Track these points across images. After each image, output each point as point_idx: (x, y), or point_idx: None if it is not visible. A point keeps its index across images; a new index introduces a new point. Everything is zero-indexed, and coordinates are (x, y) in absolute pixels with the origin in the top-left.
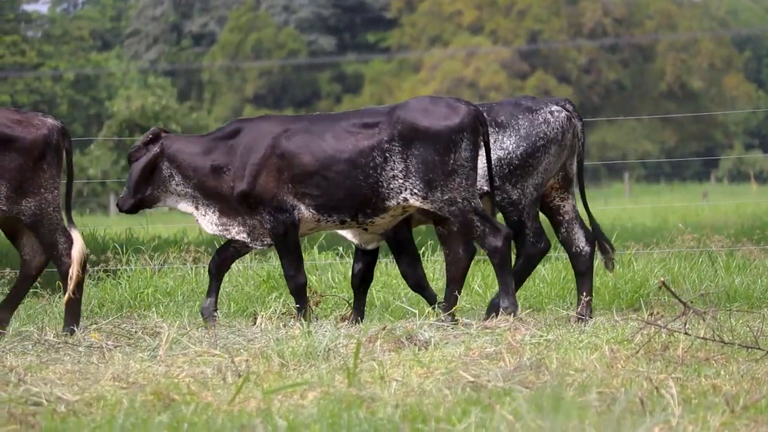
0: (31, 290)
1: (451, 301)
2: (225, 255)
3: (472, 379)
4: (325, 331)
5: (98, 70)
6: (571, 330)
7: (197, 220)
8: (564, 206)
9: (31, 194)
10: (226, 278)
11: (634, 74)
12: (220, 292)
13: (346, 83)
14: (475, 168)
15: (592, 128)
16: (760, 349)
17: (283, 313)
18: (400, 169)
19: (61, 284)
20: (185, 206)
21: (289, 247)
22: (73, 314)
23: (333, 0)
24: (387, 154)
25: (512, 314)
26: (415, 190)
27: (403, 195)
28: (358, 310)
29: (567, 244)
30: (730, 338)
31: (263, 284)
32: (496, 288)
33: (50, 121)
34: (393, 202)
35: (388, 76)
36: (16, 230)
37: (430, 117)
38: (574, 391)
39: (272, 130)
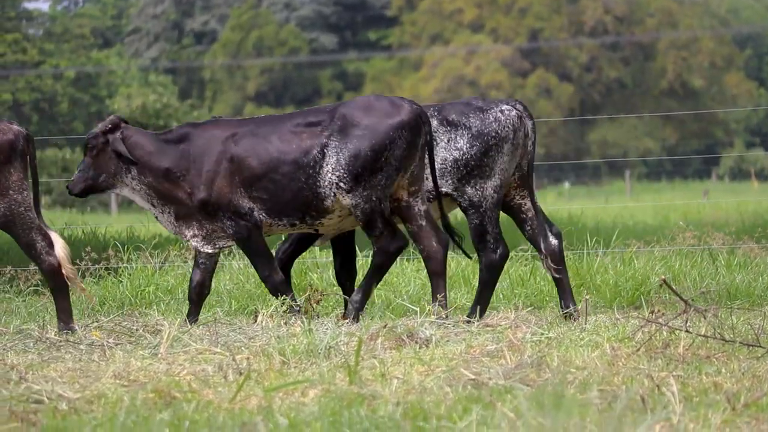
0: (32, 288)
1: (437, 291)
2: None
3: (473, 377)
4: (326, 328)
5: (99, 68)
6: (572, 328)
7: (156, 217)
8: (525, 204)
9: (0, 196)
10: (227, 276)
11: (635, 72)
12: (221, 290)
13: (348, 81)
14: (398, 170)
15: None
16: (761, 347)
17: (284, 311)
18: (332, 164)
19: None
20: (140, 201)
21: (256, 249)
22: (65, 312)
23: None
24: (325, 150)
25: (356, 313)
26: (342, 184)
27: (333, 191)
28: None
29: (534, 241)
30: (731, 336)
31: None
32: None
33: (15, 127)
34: (329, 201)
35: (389, 74)
36: None
37: (371, 113)
38: (575, 389)
39: (221, 135)
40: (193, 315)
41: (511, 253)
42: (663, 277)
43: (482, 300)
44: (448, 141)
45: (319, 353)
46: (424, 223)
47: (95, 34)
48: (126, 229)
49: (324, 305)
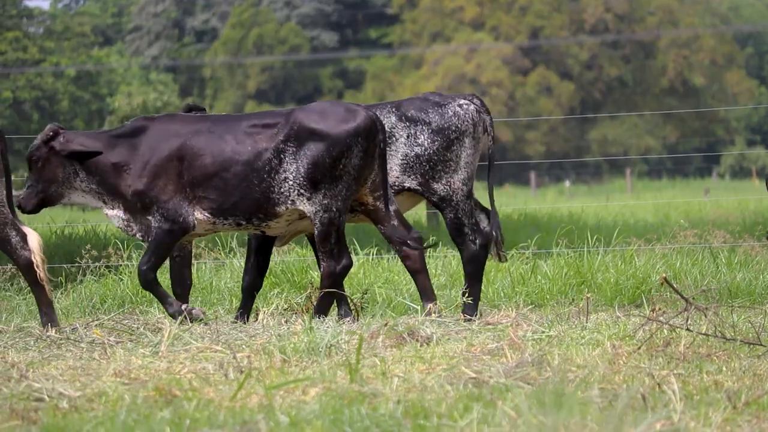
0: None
1: (428, 292)
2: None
3: (473, 375)
4: (327, 327)
5: (100, 66)
6: (573, 326)
7: (106, 214)
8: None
9: None
10: (227, 274)
11: (636, 70)
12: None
13: (348, 79)
14: (357, 180)
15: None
16: (761, 345)
17: (285, 309)
18: (291, 170)
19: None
20: (93, 201)
21: (161, 248)
22: (48, 305)
23: None
24: (282, 155)
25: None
26: (302, 191)
27: (291, 198)
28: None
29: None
30: (732, 334)
31: (265, 280)
32: (497, 285)
33: None
34: (283, 207)
35: (389, 72)
36: None
37: (327, 119)
38: (575, 387)
39: (176, 131)
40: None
41: (512, 252)
42: (664, 275)
43: (473, 294)
44: (408, 137)
45: (320, 351)
46: (395, 223)
47: (96, 32)
48: None
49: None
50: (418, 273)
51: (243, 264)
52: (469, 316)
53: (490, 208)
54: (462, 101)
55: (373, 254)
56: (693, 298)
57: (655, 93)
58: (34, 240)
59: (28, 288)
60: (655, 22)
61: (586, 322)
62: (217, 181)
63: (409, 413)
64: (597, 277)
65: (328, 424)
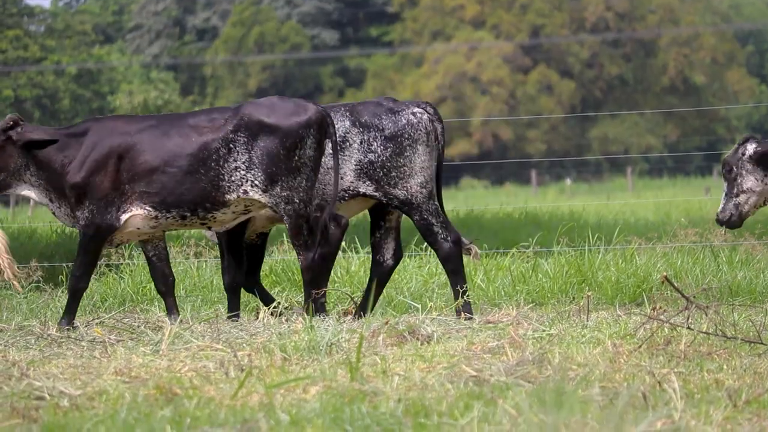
0: (33, 285)
1: (374, 298)
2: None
3: (474, 374)
4: (328, 325)
5: (100, 64)
6: (574, 325)
7: (53, 212)
8: (390, 213)
9: None
10: None
11: (637, 69)
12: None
13: (349, 77)
14: (316, 171)
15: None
16: (762, 343)
17: (285, 308)
18: (243, 160)
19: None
20: (38, 197)
21: (89, 249)
22: None
23: None
24: (231, 145)
25: (303, 311)
26: (256, 182)
27: (243, 187)
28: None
29: (375, 249)
30: (733, 333)
31: (265, 279)
32: (498, 283)
33: None
34: (233, 195)
35: (390, 70)
36: None
37: (277, 113)
38: (576, 386)
39: (118, 129)
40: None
41: (512, 251)
42: (664, 273)
43: (458, 283)
44: (361, 143)
45: (321, 350)
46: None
47: (97, 30)
48: None
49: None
50: (309, 283)
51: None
52: (469, 315)
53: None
54: (416, 110)
55: None
56: (694, 297)
57: (656, 91)
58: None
59: (30, 286)
60: (656, 21)
61: (587, 321)
62: (160, 175)
63: (410, 412)
64: (598, 276)
65: (328, 422)
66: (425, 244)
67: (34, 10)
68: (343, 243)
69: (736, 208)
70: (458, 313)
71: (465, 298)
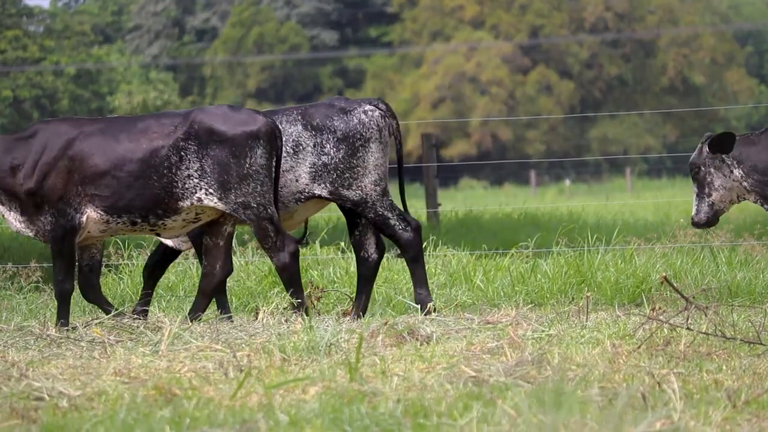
0: (32, 285)
1: (197, 309)
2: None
3: (473, 374)
4: (327, 326)
5: (99, 64)
6: (573, 325)
7: (3, 216)
8: None
9: None
10: None
11: (636, 69)
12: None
13: (348, 78)
14: (269, 177)
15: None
16: (762, 344)
17: (284, 308)
18: (195, 168)
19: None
20: None
21: (63, 251)
22: None
23: None
24: (182, 153)
25: (299, 310)
26: (210, 190)
27: (197, 195)
28: (144, 300)
29: (357, 246)
30: (732, 333)
31: (264, 279)
32: (497, 284)
33: None
34: (187, 203)
35: (389, 71)
36: None
37: (228, 121)
38: (575, 386)
39: (67, 132)
40: (61, 314)
41: (512, 251)
42: (664, 274)
43: (417, 278)
44: (315, 145)
45: (320, 350)
46: (222, 243)
47: (96, 31)
48: None
49: (324, 302)
50: (205, 295)
51: (242, 263)
52: (424, 300)
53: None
54: (367, 107)
55: None
56: (693, 297)
57: (655, 92)
58: None
59: (29, 286)
60: (655, 21)
61: (586, 321)
62: (110, 179)
63: (409, 412)
64: (597, 276)
65: (327, 423)
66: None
67: (33, 10)
68: (342, 243)
69: (710, 208)
70: (355, 314)
71: (419, 293)
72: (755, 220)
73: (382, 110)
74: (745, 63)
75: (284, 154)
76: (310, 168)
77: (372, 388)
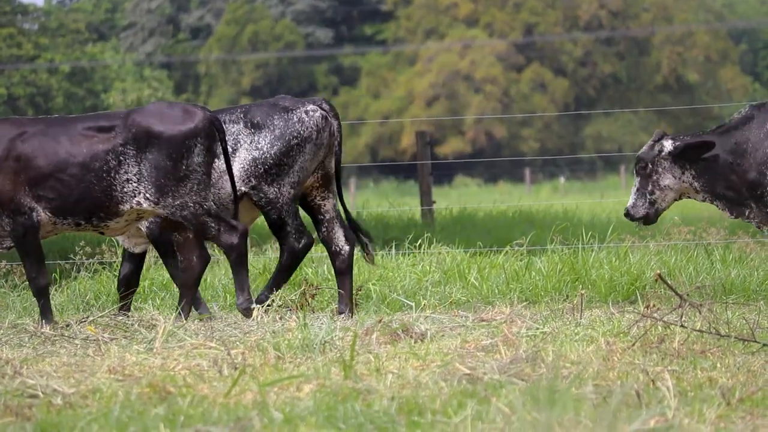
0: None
1: (184, 306)
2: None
3: (468, 372)
4: (321, 323)
5: (94, 62)
6: (567, 323)
7: None
8: (324, 205)
9: None
10: (222, 271)
11: (630, 67)
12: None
13: (343, 75)
14: (208, 173)
15: (588, 121)
16: (756, 341)
17: (279, 306)
18: (134, 173)
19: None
20: None
21: (29, 249)
22: None
23: None
24: (121, 158)
25: (247, 311)
26: (148, 195)
27: (136, 199)
28: (123, 310)
29: (327, 242)
30: (727, 331)
31: (259, 276)
32: (491, 281)
33: None
34: (126, 206)
35: (384, 68)
36: None
37: (165, 121)
38: (569, 384)
39: (9, 133)
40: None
41: (506, 249)
42: (658, 272)
43: (277, 283)
44: (251, 143)
45: (314, 348)
46: (191, 235)
47: (90, 28)
48: None
49: (318, 300)
50: (189, 288)
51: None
52: (263, 301)
53: (345, 212)
54: (310, 107)
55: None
56: (687, 295)
57: (650, 89)
58: None
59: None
60: (650, 19)
61: (581, 319)
62: (54, 182)
63: (404, 410)
64: (591, 274)
65: (322, 420)
66: (419, 241)
67: (28, 8)
68: None
69: (651, 206)
70: (261, 297)
71: (268, 293)
72: None
73: (324, 110)
74: (739, 61)
75: None
76: (240, 165)
77: (366, 386)
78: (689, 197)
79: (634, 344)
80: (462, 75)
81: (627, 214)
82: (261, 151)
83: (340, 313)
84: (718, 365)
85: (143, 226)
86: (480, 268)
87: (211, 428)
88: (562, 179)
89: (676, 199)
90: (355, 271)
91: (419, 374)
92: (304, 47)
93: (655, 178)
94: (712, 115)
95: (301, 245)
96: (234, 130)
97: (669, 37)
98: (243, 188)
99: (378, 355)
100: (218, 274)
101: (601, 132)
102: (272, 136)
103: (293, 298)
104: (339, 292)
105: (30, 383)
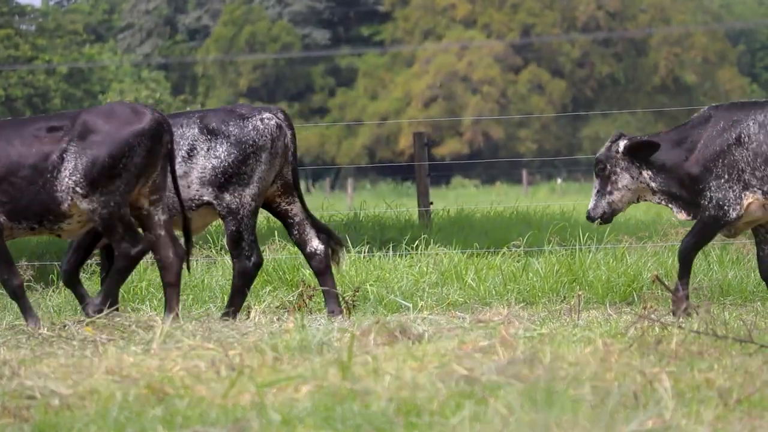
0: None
1: (171, 303)
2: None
3: (465, 373)
4: (319, 324)
5: (91, 63)
6: (565, 324)
7: None
8: (292, 209)
9: None
10: (219, 272)
11: (628, 68)
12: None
13: (340, 77)
14: (138, 177)
15: (585, 122)
16: (753, 342)
17: (277, 307)
18: (70, 168)
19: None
20: None
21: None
22: None
23: None
24: (64, 156)
25: (93, 311)
26: (78, 188)
27: (70, 194)
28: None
29: (300, 245)
30: (724, 332)
31: (256, 278)
32: (489, 282)
33: None
34: (65, 206)
35: (381, 69)
36: None
37: (111, 120)
38: (567, 385)
39: None
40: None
41: (503, 250)
42: (655, 273)
43: (234, 305)
44: (208, 149)
45: (312, 349)
46: (162, 233)
47: (87, 29)
48: None
49: (316, 301)
50: (172, 287)
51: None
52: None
53: (312, 219)
54: (265, 115)
55: (364, 252)
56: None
57: (647, 90)
58: None
59: None
60: (647, 20)
61: (578, 320)
62: (7, 185)
63: (401, 411)
64: (588, 275)
65: (319, 421)
66: (416, 242)
67: (25, 9)
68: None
69: (609, 206)
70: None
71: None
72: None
73: (279, 119)
74: (737, 62)
75: (179, 159)
76: (200, 173)
77: (364, 387)
78: (646, 199)
79: (631, 345)
80: (459, 76)
81: (588, 217)
82: (219, 159)
83: (331, 312)
84: (716, 366)
85: None
86: (477, 269)
87: (209, 429)
88: (559, 180)
89: (632, 201)
90: (352, 272)
91: (417, 375)
92: (301, 48)
93: (613, 178)
94: None
95: (251, 264)
96: (189, 134)
97: (666, 38)
98: (206, 198)
99: (375, 356)
100: (215, 275)
101: (598, 133)
102: (228, 144)
103: (291, 299)
104: (324, 292)
105: (28, 384)
